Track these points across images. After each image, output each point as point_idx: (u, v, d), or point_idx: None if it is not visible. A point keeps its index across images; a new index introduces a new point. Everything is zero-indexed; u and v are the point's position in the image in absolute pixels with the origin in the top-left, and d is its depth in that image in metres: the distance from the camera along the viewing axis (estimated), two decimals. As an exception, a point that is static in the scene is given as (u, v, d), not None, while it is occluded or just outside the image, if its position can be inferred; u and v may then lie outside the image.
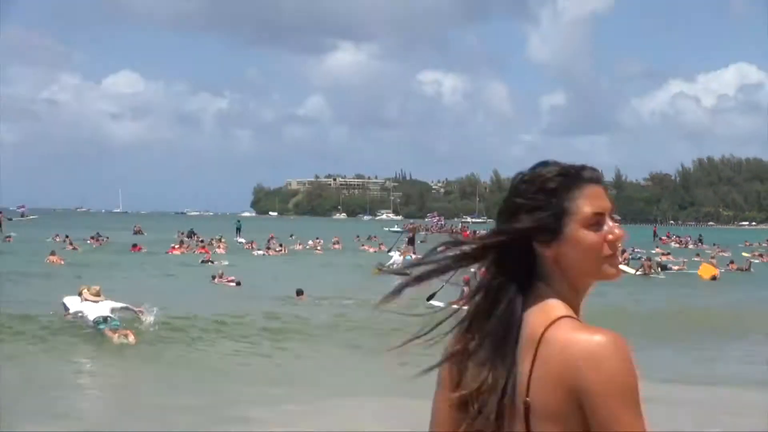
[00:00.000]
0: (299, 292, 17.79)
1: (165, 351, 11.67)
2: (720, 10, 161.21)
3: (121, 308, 12.27)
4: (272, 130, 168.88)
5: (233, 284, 20.83)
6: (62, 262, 25.67)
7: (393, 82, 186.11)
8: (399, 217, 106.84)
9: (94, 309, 11.80)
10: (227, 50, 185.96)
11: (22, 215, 61.15)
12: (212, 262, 27.90)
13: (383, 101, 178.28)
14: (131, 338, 11.12)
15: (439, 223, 72.56)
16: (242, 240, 40.92)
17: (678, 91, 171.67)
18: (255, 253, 35.21)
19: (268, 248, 35.51)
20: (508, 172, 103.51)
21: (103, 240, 38.31)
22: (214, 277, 21.87)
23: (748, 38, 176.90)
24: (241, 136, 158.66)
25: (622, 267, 7.79)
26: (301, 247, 39.08)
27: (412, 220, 79.77)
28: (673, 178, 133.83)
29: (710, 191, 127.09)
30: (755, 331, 15.61)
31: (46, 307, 14.05)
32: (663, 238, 52.68)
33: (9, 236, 38.63)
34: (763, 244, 45.52)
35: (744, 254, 36.07)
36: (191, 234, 41.84)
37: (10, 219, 54.71)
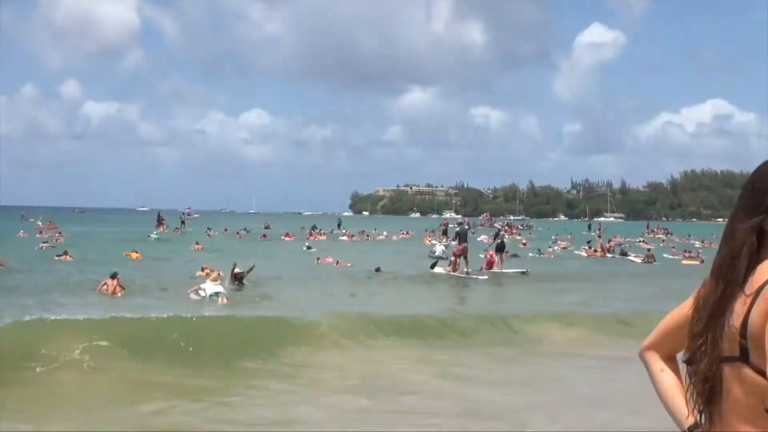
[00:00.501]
0: (377, 269, 22.58)
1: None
2: (697, 60, 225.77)
3: (222, 288, 16.33)
4: (364, 151, 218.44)
5: (334, 263, 25.67)
6: (202, 248, 31.38)
7: (452, 114, 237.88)
8: (459, 216, 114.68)
9: (211, 287, 15.97)
10: (329, 92, 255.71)
11: (189, 214, 74.07)
12: (310, 248, 34.73)
13: (445, 129, 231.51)
14: (226, 302, 15.35)
15: (489, 220, 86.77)
16: (343, 231, 52.79)
17: (666, 120, 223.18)
18: (348, 239, 46.28)
19: (352, 236, 47.75)
20: (540, 182, 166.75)
21: (242, 233, 48.73)
22: (318, 259, 27.08)
23: (719, 80, 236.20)
24: (341, 156, 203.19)
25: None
26: (384, 236, 50.33)
27: (465, 218, 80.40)
28: (665, 185, 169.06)
29: (693, 195, 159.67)
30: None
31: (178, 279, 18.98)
32: (653, 230, 66.59)
33: (176, 228, 50.45)
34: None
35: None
36: (314, 227, 53.38)
37: (189, 215, 71.30)
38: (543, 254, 35.99)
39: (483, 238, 43.48)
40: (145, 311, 12.70)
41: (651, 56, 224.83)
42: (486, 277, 23.42)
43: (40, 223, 54.43)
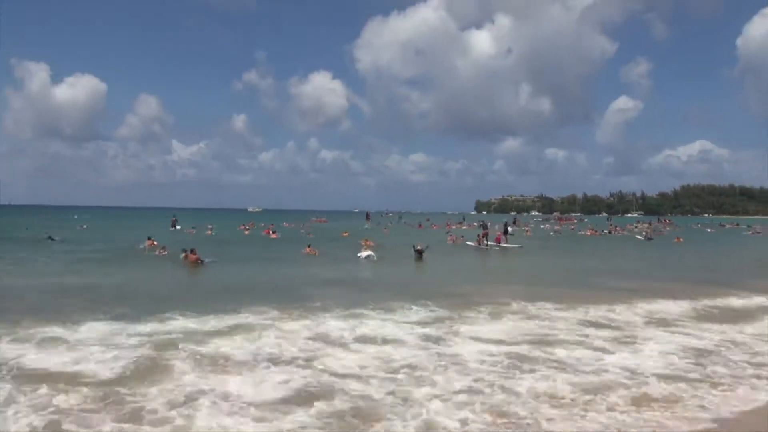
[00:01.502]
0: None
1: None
2: (688, 113, 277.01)
3: (371, 254, 26.07)
4: (481, 176, 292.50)
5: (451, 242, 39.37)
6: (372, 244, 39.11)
7: (533, 153, 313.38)
8: (539, 214, 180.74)
9: (365, 253, 25.71)
10: (458, 141, 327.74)
11: (387, 213, 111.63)
12: (448, 232, 48.51)
13: (528, 164, 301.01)
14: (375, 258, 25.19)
15: (557, 218, 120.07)
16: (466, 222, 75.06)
17: (668, 154, 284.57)
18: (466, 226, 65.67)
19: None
20: (590, 192, 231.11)
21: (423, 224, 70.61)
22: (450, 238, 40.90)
23: (703, 127, 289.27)
24: (467, 179, 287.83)
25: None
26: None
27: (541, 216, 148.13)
28: (669, 194, 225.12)
29: (688, 200, 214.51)
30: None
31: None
32: (663, 221, 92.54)
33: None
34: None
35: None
36: (462, 219, 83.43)
37: (387, 213, 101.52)
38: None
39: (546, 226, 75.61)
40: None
41: (657, 113, 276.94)
42: (497, 247, 35.66)
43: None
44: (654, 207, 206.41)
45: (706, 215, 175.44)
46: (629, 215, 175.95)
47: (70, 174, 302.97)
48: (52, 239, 35.18)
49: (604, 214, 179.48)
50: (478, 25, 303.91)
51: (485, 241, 35.87)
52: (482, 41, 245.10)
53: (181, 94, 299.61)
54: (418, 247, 27.60)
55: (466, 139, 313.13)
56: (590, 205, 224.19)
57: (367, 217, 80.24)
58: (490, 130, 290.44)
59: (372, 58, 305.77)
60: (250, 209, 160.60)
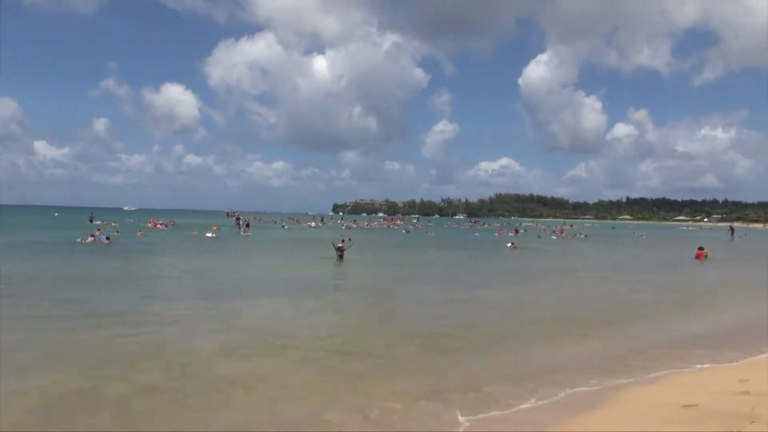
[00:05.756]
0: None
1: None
2: (492, 134, 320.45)
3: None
4: (330, 183, 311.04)
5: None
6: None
7: (371, 165, 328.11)
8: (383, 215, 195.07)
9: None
10: (304, 150, 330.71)
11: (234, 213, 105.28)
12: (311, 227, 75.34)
13: (370, 173, 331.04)
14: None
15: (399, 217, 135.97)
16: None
17: (483, 168, 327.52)
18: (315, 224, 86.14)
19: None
20: (426, 198, 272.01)
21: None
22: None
23: (505, 147, 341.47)
24: (321, 185, 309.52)
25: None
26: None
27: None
28: (487, 200, 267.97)
29: (500, 206, 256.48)
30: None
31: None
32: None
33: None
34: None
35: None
36: (321, 219, 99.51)
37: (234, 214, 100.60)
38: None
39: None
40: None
41: (470, 134, 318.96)
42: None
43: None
44: (475, 211, 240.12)
45: (513, 218, 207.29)
46: (456, 217, 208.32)
47: None
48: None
49: (437, 215, 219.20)
50: (319, 51, 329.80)
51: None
52: (320, 66, 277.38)
53: (43, 98, 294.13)
54: (339, 245, 27.11)
55: (315, 149, 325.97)
56: (426, 208, 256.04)
57: (229, 214, 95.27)
58: (331, 143, 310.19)
59: (222, 75, 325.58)
60: (125, 208, 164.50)
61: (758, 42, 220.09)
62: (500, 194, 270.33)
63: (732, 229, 74.35)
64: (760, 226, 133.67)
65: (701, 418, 4.80)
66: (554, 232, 73.01)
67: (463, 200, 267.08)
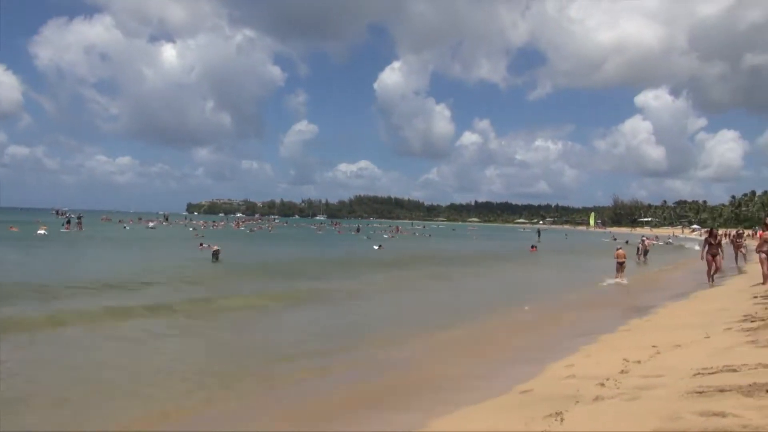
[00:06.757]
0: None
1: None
2: (350, 138, 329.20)
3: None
4: (183, 180, 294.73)
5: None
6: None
7: (227, 163, 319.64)
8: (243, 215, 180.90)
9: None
10: (153, 145, 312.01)
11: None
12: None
13: (226, 171, 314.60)
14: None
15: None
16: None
17: (342, 169, 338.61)
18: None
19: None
20: (286, 199, 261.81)
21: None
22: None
23: (361, 151, 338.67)
24: (173, 184, 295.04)
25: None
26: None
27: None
28: (347, 202, 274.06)
29: (360, 207, 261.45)
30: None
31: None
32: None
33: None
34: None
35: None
36: (165, 218, 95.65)
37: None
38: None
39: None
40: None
41: (330, 136, 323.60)
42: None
43: None
44: (335, 212, 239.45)
45: (371, 219, 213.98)
46: (318, 218, 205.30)
47: None
48: None
49: (297, 216, 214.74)
50: (168, 40, 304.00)
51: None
52: (169, 56, 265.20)
53: None
54: (215, 248, 27.09)
55: (164, 144, 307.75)
56: (286, 209, 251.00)
57: (59, 213, 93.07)
58: (182, 138, 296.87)
59: (52, 57, 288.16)
60: None
61: (579, 64, 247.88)
62: (359, 196, 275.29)
63: (539, 231, 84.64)
64: (583, 228, 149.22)
65: (535, 401, 5.39)
66: (390, 231, 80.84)
67: (323, 201, 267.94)
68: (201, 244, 34.85)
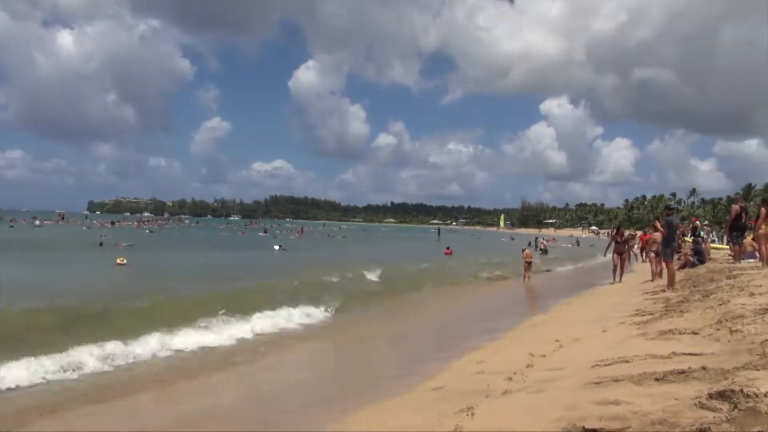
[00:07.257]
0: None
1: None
2: (269, 138, 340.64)
3: None
4: (84, 177, 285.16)
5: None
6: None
7: (132, 160, 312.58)
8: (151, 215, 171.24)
9: None
10: (47, 138, 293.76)
11: None
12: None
13: (132, 168, 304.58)
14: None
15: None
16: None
17: (258, 169, 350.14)
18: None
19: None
20: (198, 198, 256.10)
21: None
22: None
23: (278, 150, 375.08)
24: (71, 180, 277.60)
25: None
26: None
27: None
28: (262, 202, 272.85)
29: (276, 207, 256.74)
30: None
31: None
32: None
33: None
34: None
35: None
36: (62, 217, 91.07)
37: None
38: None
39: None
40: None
41: (245, 134, 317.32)
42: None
43: None
44: (250, 212, 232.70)
45: (287, 219, 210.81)
46: (231, 218, 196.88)
47: None
48: None
49: (210, 216, 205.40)
50: (63, 25, 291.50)
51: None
52: (65, 42, 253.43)
53: None
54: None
55: (59, 138, 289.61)
56: (198, 209, 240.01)
57: None
58: (79, 132, 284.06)
59: None
60: None
61: (487, 71, 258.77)
62: (275, 196, 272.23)
63: (439, 231, 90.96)
64: (494, 229, 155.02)
65: (447, 397, 5.44)
66: (297, 232, 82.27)
67: (238, 201, 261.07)
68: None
